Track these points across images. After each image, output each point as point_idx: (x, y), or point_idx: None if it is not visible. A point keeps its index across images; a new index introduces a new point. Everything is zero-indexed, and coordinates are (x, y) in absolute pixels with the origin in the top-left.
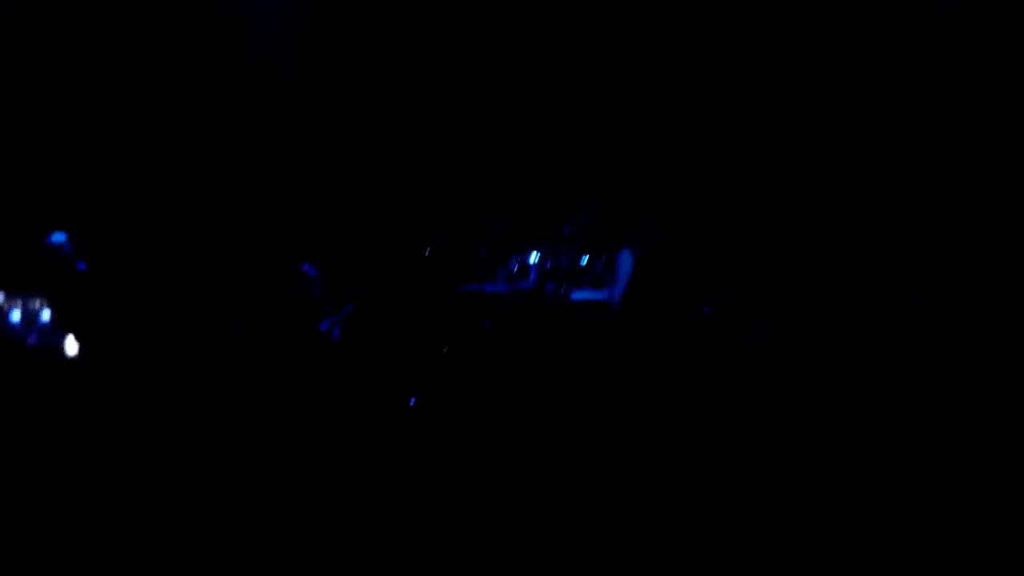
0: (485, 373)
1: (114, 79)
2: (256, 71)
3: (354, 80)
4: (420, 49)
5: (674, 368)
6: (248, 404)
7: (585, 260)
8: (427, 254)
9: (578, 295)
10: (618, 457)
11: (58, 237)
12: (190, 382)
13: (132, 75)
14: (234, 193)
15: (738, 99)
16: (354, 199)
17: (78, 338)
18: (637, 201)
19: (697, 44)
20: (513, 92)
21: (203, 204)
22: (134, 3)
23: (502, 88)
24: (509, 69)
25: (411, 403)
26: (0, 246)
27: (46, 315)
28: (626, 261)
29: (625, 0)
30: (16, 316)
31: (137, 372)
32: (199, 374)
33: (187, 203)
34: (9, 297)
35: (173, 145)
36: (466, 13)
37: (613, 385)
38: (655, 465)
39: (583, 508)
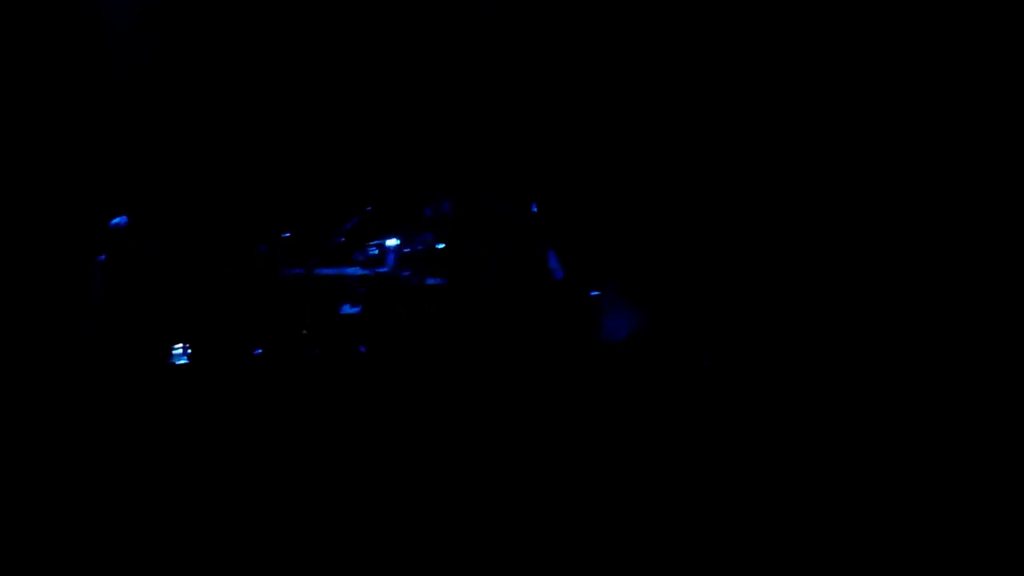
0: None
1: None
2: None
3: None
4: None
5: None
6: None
7: (442, 246)
8: (284, 238)
9: (433, 280)
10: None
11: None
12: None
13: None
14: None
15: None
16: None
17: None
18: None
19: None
20: (373, 80)
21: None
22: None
23: (363, 75)
24: (372, 53)
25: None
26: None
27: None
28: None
29: None
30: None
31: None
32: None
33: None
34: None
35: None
36: None
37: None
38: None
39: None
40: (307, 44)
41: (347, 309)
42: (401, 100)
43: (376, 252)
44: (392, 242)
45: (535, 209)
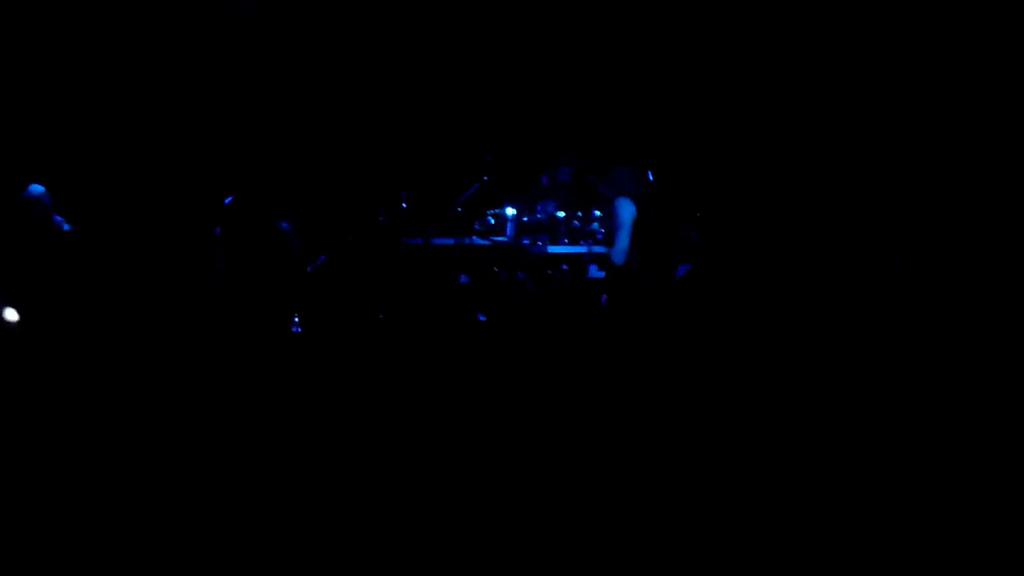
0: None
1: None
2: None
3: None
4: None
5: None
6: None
7: (562, 214)
8: (403, 206)
9: (554, 248)
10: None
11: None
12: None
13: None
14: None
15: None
16: (330, 155)
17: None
18: (612, 157)
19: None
20: (488, 50)
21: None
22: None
23: (477, 47)
24: (480, 27)
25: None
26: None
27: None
28: (626, 210)
29: None
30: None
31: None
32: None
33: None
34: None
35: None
36: None
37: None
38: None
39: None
40: (416, 20)
41: (465, 278)
42: (515, 70)
43: (494, 221)
44: (510, 211)
45: (651, 177)
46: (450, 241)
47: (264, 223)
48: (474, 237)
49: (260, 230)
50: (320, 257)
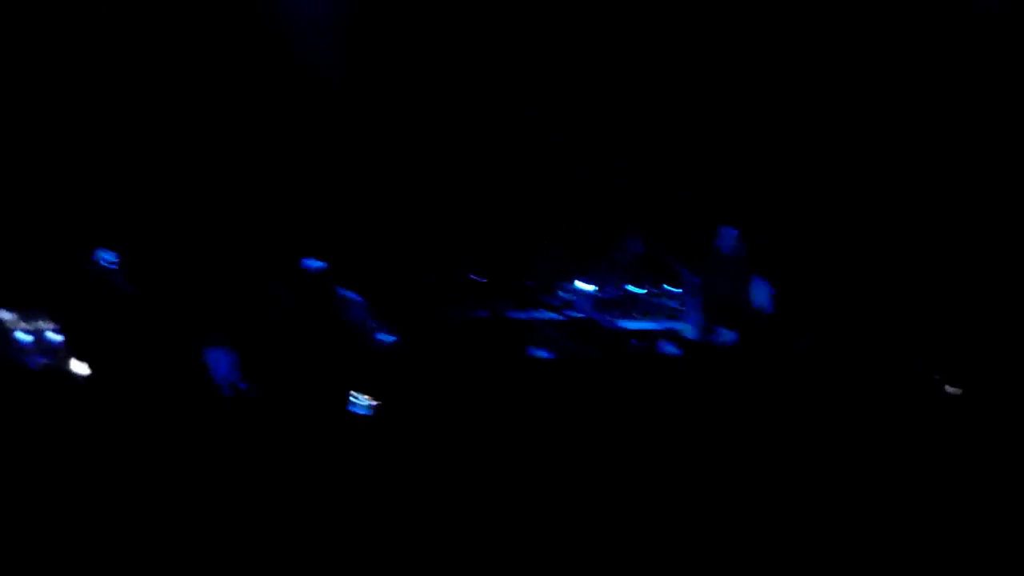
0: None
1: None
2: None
3: (405, 97)
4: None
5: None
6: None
7: (637, 289)
8: (477, 280)
9: (629, 324)
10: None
11: (104, 255)
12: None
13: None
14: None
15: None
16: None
17: (86, 360)
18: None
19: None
20: (561, 124)
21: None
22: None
23: (549, 120)
24: (556, 99)
25: None
26: (9, 264)
27: (55, 336)
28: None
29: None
30: (24, 336)
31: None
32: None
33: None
34: (17, 317)
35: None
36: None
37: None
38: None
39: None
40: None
41: (538, 353)
42: (591, 144)
43: (568, 296)
44: (584, 285)
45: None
46: (522, 315)
47: (334, 293)
48: (546, 311)
49: (330, 299)
50: (386, 334)
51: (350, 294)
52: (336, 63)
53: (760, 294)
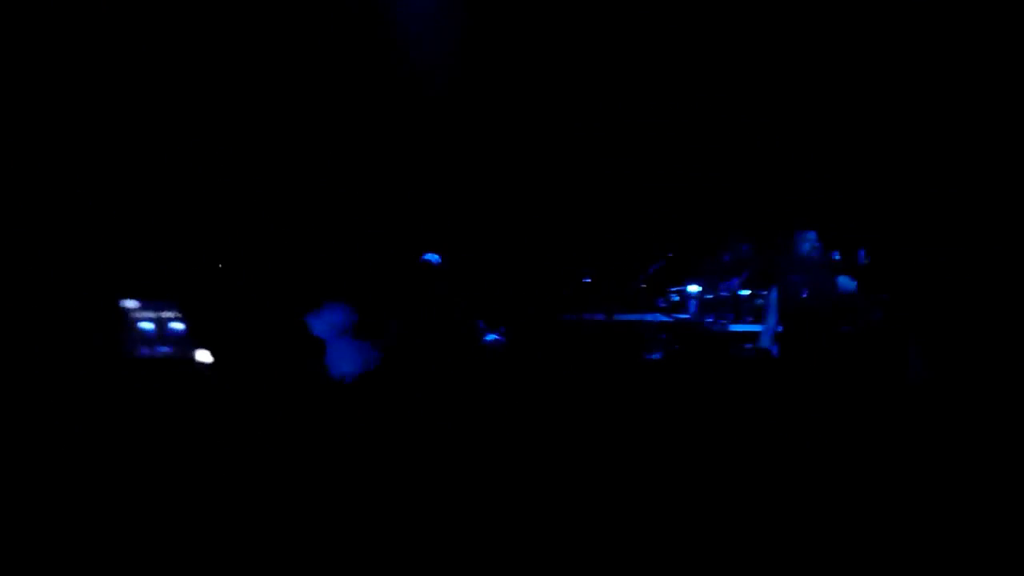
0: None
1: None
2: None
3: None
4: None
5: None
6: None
7: (747, 292)
8: (586, 282)
9: (737, 327)
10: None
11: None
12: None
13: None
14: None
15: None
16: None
17: (211, 350)
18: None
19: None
20: (669, 126)
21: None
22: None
23: (658, 121)
24: (667, 100)
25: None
26: (136, 254)
27: (179, 325)
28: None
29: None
30: (148, 325)
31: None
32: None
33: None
34: (143, 306)
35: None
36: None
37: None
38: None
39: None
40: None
41: (649, 356)
42: (697, 150)
43: (677, 298)
44: (694, 288)
45: (863, 257)
46: (633, 318)
47: (447, 295)
48: (657, 314)
49: (440, 302)
50: (497, 332)
51: (461, 294)
52: (449, 65)
53: (852, 298)
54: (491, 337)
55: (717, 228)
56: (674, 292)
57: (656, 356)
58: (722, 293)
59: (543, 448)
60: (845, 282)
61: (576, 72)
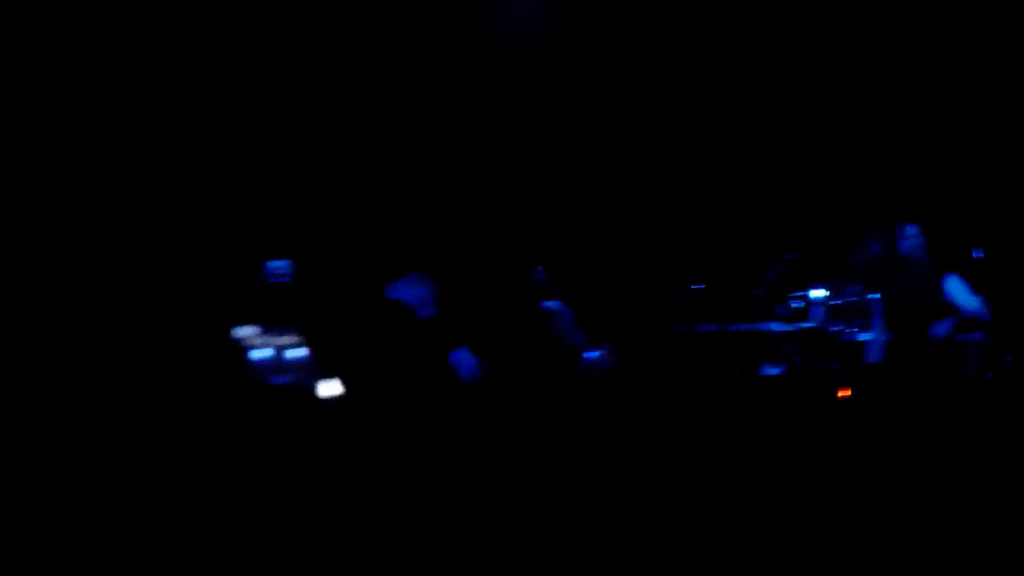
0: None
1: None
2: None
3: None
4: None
5: None
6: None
7: (876, 297)
8: (696, 289)
9: (867, 336)
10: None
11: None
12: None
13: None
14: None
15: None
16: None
17: (338, 379)
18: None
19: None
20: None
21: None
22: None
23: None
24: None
25: None
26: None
27: (300, 352)
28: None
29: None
30: (267, 353)
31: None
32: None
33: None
34: (263, 333)
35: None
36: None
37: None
38: None
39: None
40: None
41: (769, 369)
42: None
43: (800, 305)
44: (818, 293)
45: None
46: (750, 328)
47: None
48: (776, 323)
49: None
50: (601, 348)
51: (559, 305)
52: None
53: (963, 297)
54: (593, 355)
55: (845, 226)
56: (796, 298)
57: (777, 370)
58: (848, 298)
59: (653, 468)
60: (955, 285)
61: (683, 64)
